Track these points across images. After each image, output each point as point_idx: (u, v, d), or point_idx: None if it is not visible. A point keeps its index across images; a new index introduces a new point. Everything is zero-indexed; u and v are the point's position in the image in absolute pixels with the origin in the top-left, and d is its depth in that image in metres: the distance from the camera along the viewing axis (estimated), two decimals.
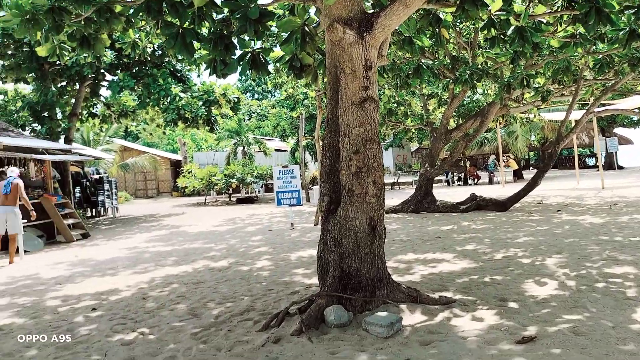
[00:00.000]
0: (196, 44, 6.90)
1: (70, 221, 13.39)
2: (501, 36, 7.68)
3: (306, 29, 6.62)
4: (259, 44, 7.93)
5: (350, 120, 5.08)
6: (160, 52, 16.28)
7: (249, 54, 6.44)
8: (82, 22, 7.02)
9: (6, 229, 9.70)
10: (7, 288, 7.17)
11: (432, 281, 6.24)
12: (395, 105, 15.87)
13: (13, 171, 10.02)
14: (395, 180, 30.06)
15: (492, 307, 5.06)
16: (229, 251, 9.63)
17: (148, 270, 8.00)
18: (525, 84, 11.04)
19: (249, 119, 46.66)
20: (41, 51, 7.88)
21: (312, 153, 31.70)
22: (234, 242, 10.82)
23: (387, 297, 5.10)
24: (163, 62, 16.98)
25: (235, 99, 16.89)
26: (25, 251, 11.07)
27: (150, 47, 12.50)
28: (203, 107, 16.11)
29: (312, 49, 7.39)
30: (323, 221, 5.45)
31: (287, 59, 7.13)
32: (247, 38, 7.27)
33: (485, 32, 7.02)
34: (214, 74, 7.30)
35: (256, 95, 57.83)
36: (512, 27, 6.70)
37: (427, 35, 8.72)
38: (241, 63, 6.58)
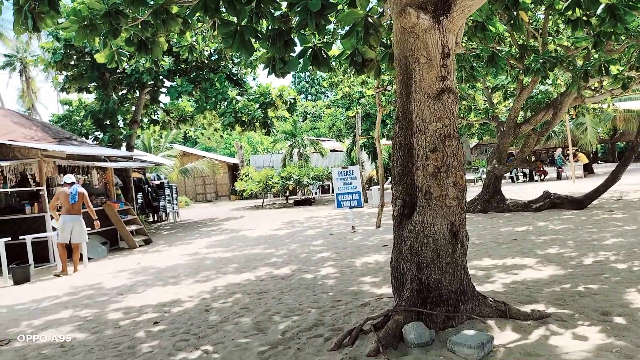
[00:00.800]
0: (254, 44, 6.59)
1: (133, 227, 13.50)
2: (584, 17, 6.92)
3: (369, 20, 6.15)
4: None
5: (426, 114, 4.57)
6: (216, 56, 16.25)
7: (310, 50, 6.04)
8: (139, 26, 6.85)
9: (70, 237, 9.75)
10: (70, 299, 7.10)
11: (518, 291, 5.61)
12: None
13: (70, 178, 10.06)
14: None
15: (595, 322, 4.40)
16: (290, 257, 9.28)
17: (210, 279, 7.76)
18: (603, 71, 10.09)
19: (303, 121, 46.66)
20: (100, 58, 7.80)
21: (368, 153, 31.12)
22: (294, 247, 10.48)
23: (473, 311, 4.55)
24: (219, 67, 16.96)
25: (292, 100, 16.63)
26: (89, 259, 11.19)
27: (207, 50, 12.40)
28: (259, 110, 15.93)
29: (375, 42, 6.91)
30: (396, 227, 4.96)
31: (347, 54, 6.67)
32: (307, 33, 6.89)
33: (570, 12, 6.30)
34: (273, 73, 6.96)
35: (310, 97, 57.83)
36: (602, 6, 5.97)
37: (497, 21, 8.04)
38: (302, 59, 6.19)
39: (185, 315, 5.75)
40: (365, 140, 29.11)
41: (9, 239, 9.72)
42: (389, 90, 14.99)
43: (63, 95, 19.39)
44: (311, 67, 6.11)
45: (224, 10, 7.00)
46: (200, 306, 6.10)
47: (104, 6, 6.35)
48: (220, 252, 10.69)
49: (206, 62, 16.12)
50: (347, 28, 6.97)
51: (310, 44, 6.05)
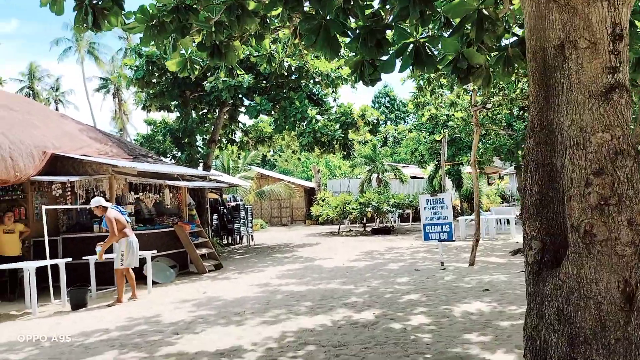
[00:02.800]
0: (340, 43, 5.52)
1: (204, 251, 12.75)
2: None
3: (484, 11, 4.89)
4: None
5: (586, 121, 3.20)
6: (297, 74, 15.49)
7: (412, 45, 4.83)
8: (212, 28, 5.99)
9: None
10: (120, 335, 6.20)
11: None
12: None
13: (99, 201, 9.07)
14: None
15: None
16: (372, 297, 7.97)
17: (279, 319, 6.62)
18: None
19: (382, 146, 45.33)
20: (172, 65, 7.02)
21: (453, 180, 29.23)
22: (376, 284, 9.15)
23: None
24: (300, 85, 16.20)
25: (374, 121, 15.48)
26: (154, 283, 10.47)
27: (287, 62, 11.58)
28: (340, 130, 14.89)
29: (490, 40, 5.60)
30: (532, 278, 3.56)
31: (449, 60, 5.38)
32: (408, 26, 5.70)
33: None
34: (361, 81, 5.84)
35: (390, 122, 56.50)
36: None
37: None
38: (400, 58, 4.99)
39: None
40: (449, 167, 27.33)
41: (70, 259, 9.16)
42: (489, 109, 13.43)
43: (148, 115, 19.42)
44: (412, 67, 4.91)
45: (307, 4, 5.99)
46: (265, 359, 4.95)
47: (172, 0, 5.55)
48: (293, 285, 9.57)
49: (286, 79, 15.40)
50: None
51: (411, 39, 4.86)
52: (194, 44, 6.58)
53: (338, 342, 5.44)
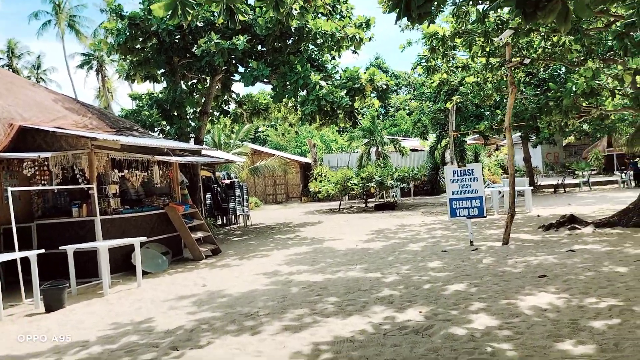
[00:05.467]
0: None
1: (199, 235, 11.34)
2: None
3: None
4: None
5: None
6: (297, 36, 13.88)
7: None
8: None
9: None
10: (102, 351, 4.78)
11: None
12: (598, 83, 11.86)
13: None
14: (560, 182, 25.23)
15: None
16: (408, 288, 6.64)
17: (304, 324, 5.26)
18: None
19: (384, 117, 43.74)
20: (158, 10, 5.46)
21: (456, 152, 27.86)
22: (406, 271, 7.83)
23: None
24: (299, 49, 14.61)
25: (384, 86, 13.98)
26: (145, 273, 9.09)
27: (295, 9, 9.96)
28: (347, 97, 13.39)
29: None
30: None
31: None
32: None
33: None
34: (405, 17, 4.45)
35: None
36: None
37: None
38: None
39: None
40: (451, 138, 25.93)
41: (42, 251, 7.70)
42: (526, 65, 12.00)
43: (133, 89, 17.77)
44: None
45: None
46: None
47: None
48: (307, 274, 8.21)
49: (284, 42, 13.83)
50: None
51: None
52: None
53: (392, 358, 4.09)
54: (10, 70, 47.81)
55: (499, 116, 17.12)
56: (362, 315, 5.45)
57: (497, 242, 10.12)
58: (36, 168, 9.07)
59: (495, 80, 16.67)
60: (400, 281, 7.08)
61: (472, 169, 10.08)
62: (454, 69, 18.10)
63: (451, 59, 16.82)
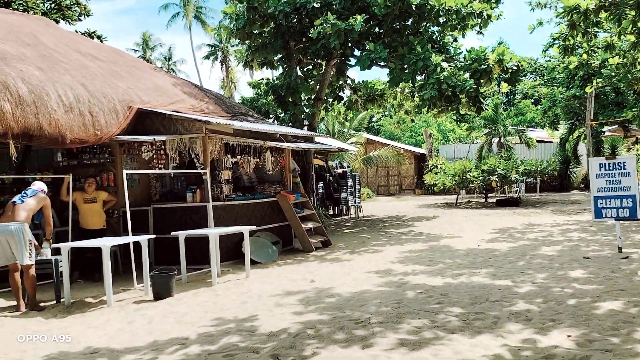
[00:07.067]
0: None
1: (310, 225, 10.93)
2: None
3: None
4: None
5: None
6: (417, 16, 12.90)
7: None
8: None
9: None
10: (201, 353, 4.37)
11: None
12: None
13: (35, 185, 6.95)
14: None
15: None
16: (547, 302, 5.56)
17: (423, 340, 4.48)
18: None
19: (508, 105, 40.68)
20: None
21: (592, 144, 24.98)
22: (543, 280, 6.70)
23: None
24: (419, 30, 13.61)
25: (514, 67, 12.52)
26: (253, 262, 8.83)
27: None
28: (471, 80, 12.16)
29: None
30: None
31: None
32: None
33: None
34: None
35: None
36: None
37: None
38: None
39: None
40: (588, 128, 23.18)
41: (153, 236, 7.68)
42: None
43: (252, 76, 17.99)
44: None
45: None
46: None
47: None
48: (424, 275, 7.38)
49: (404, 22, 12.90)
50: None
51: None
52: None
53: None
54: (145, 62, 51.72)
55: None
56: (494, 334, 4.55)
57: None
58: (154, 152, 9.17)
59: None
60: (537, 293, 6.00)
61: (624, 162, 8.52)
62: (595, 49, 16.03)
63: (593, 37, 14.81)
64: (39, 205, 6.53)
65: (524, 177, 21.16)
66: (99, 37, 17.90)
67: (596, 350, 4.03)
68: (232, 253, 9.39)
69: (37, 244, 6.54)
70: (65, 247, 6.65)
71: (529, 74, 51.58)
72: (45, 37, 9.90)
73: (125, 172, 7.65)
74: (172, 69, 54.37)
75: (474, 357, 4.01)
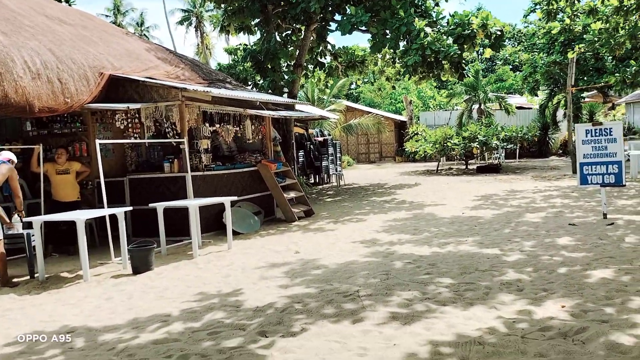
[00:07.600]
0: None
1: (292, 194, 10.72)
2: None
3: None
4: None
5: None
6: None
7: None
8: None
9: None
10: (184, 330, 4.15)
11: None
12: None
13: (1, 154, 6.50)
14: None
15: None
16: (538, 271, 5.47)
17: (415, 313, 4.34)
18: None
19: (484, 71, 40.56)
20: None
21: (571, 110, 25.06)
22: (530, 248, 6.63)
23: None
24: None
25: (498, 33, 12.28)
26: (235, 233, 8.61)
27: None
28: (455, 45, 11.89)
29: None
30: None
31: None
32: None
33: None
34: None
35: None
36: None
37: None
38: None
39: None
40: (569, 94, 23.16)
41: (130, 208, 7.38)
42: None
43: (228, 42, 17.38)
44: None
45: None
46: None
47: None
48: (411, 245, 7.27)
49: None
50: None
51: None
52: None
53: None
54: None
55: (634, 67, 14.70)
56: (487, 305, 4.43)
57: (634, 215, 8.53)
58: (128, 120, 8.77)
59: (628, 27, 14.33)
60: (526, 261, 5.93)
61: (610, 128, 8.44)
62: (577, 14, 15.86)
63: (576, 1, 14.63)
64: (4, 176, 6.14)
65: (505, 144, 21.18)
66: (67, 1, 17.05)
67: (592, 322, 3.94)
68: (213, 224, 9.16)
69: (7, 220, 6.19)
70: (38, 220, 6.34)
71: (507, 40, 51.40)
72: None
73: (98, 141, 7.28)
74: (144, 34, 52.66)
75: (469, 331, 3.88)
